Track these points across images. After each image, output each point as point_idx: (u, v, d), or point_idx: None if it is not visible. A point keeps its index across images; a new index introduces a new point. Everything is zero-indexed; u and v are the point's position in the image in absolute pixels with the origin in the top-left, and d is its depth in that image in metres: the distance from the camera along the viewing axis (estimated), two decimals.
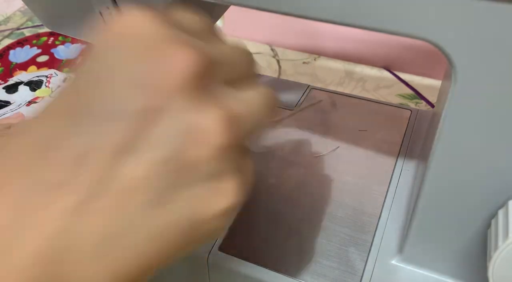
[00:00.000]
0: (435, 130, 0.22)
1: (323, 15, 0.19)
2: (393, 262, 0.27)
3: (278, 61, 0.57)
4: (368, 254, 0.27)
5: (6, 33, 0.64)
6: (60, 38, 0.61)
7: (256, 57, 0.60)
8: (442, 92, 0.28)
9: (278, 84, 0.42)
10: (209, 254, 0.27)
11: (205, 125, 0.15)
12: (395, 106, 0.39)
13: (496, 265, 0.20)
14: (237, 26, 0.61)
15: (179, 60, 0.15)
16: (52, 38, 0.62)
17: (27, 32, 0.64)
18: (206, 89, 0.16)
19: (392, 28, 0.18)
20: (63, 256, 0.13)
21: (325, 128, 0.36)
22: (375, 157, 0.34)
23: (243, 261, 0.27)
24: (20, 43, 0.61)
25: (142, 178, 0.14)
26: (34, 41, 0.61)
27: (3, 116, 0.42)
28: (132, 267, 0.15)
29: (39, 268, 0.13)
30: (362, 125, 0.37)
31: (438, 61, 0.52)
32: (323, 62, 0.57)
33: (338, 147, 0.35)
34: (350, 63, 0.57)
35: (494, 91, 0.18)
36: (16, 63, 0.57)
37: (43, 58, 0.58)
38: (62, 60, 0.57)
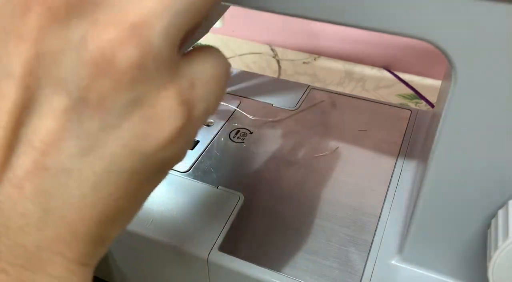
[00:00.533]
0: (435, 130, 0.22)
1: (323, 15, 0.19)
2: (393, 262, 0.27)
3: (278, 61, 0.57)
4: (368, 254, 0.27)
5: None
6: None
7: (256, 57, 0.60)
8: (442, 92, 0.28)
9: (278, 84, 0.42)
10: (209, 254, 0.27)
11: (101, 47, 0.12)
12: (395, 106, 0.39)
13: (496, 265, 0.20)
14: (237, 26, 0.61)
15: None
16: None
17: None
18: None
19: (392, 28, 0.18)
20: (1, 231, 0.13)
21: (325, 128, 0.36)
22: (375, 157, 0.34)
23: (243, 261, 0.27)
24: None
25: (57, 130, 0.13)
26: None
27: None
28: (88, 221, 0.14)
29: None
30: (362, 125, 0.37)
31: (438, 61, 0.52)
32: (323, 62, 0.57)
33: (338, 147, 0.35)
34: (350, 63, 0.57)
35: (494, 91, 0.18)
36: None
37: None
38: None
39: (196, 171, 0.33)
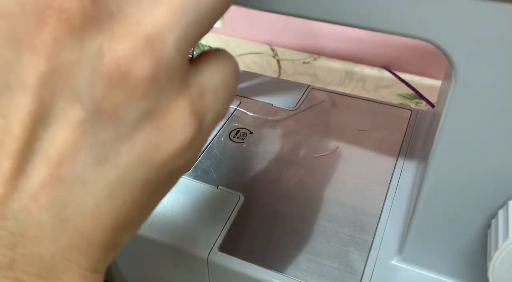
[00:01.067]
0: (435, 130, 0.22)
1: (323, 15, 0.19)
2: (393, 262, 0.27)
3: (278, 61, 0.57)
4: (368, 254, 0.27)
5: None
6: None
7: (256, 57, 0.60)
8: (442, 92, 0.28)
9: (278, 84, 0.42)
10: (209, 254, 0.27)
11: (117, 60, 0.12)
12: (395, 106, 0.39)
13: (496, 265, 0.20)
14: (237, 26, 0.61)
15: None
16: None
17: None
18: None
19: (392, 28, 0.18)
20: (17, 240, 0.13)
21: (325, 128, 0.36)
22: (375, 157, 0.34)
23: (243, 261, 0.27)
24: None
25: (72, 141, 0.13)
26: None
27: None
28: (102, 230, 0.14)
29: None
30: (362, 125, 0.37)
31: (438, 61, 0.52)
32: (323, 62, 0.57)
33: (338, 147, 0.35)
34: (350, 63, 0.57)
35: (494, 91, 0.18)
36: None
37: None
38: None
39: (196, 171, 0.33)
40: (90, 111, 0.13)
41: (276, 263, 0.27)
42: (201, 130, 0.15)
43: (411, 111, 0.38)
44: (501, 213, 0.21)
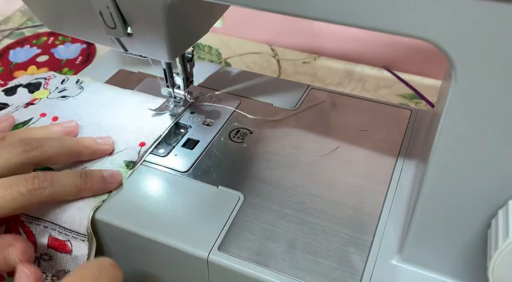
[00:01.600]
0: (435, 130, 0.22)
1: (323, 15, 0.19)
2: (393, 262, 0.27)
3: (278, 61, 0.57)
4: (368, 254, 0.27)
5: (6, 33, 0.64)
6: (60, 38, 0.61)
7: (256, 57, 0.60)
8: (442, 92, 0.28)
9: (278, 84, 0.42)
10: (209, 254, 0.27)
11: None
12: (395, 106, 0.39)
13: (496, 265, 0.20)
14: (237, 26, 0.61)
15: None
16: (52, 38, 0.61)
17: (27, 32, 0.64)
18: None
19: (392, 28, 0.18)
20: None
21: (325, 128, 0.36)
22: (375, 157, 0.34)
23: (243, 261, 0.27)
24: (20, 43, 0.61)
25: None
26: (34, 41, 0.61)
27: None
28: None
29: None
30: (362, 125, 0.37)
31: (438, 61, 0.52)
32: (323, 62, 0.57)
33: (338, 146, 0.35)
34: (350, 63, 0.57)
35: (494, 91, 0.18)
36: (16, 63, 0.57)
37: (43, 58, 0.58)
38: (62, 60, 0.57)
39: (196, 171, 0.33)
40: None
41: (276, 263, 0.27)
42: None
43: (411, 111, 0.38)
44: (501, 213, 0.21)
